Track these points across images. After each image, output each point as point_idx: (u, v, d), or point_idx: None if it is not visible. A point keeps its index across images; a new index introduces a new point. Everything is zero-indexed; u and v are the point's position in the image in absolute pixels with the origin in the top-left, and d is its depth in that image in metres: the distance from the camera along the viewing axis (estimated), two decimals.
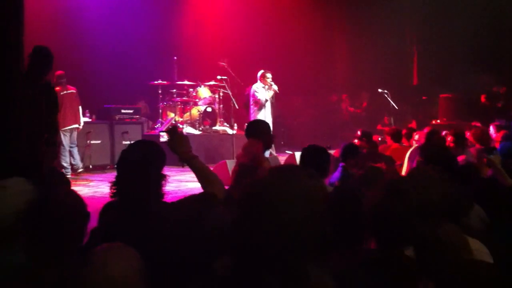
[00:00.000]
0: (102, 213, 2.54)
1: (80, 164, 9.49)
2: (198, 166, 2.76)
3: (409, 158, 5.72)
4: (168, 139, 2.81)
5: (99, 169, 9.89)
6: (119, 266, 1.45)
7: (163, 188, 2.44)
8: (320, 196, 1.59)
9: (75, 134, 9.39)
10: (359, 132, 6.90)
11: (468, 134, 7.43)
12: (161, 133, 10.48)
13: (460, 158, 6.04)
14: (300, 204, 1.51)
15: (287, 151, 11.75)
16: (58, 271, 1.47)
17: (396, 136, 7.04)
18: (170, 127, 3.33)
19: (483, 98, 12.67)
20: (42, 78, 5.71)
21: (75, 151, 9.38)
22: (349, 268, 2.00)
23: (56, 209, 2.15)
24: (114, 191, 2.44)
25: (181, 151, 2.76)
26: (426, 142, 6.13)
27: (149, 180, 2.37)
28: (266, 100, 9.95)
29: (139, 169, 2.37)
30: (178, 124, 11.18)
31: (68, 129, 9.22)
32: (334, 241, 2.33)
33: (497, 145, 6.31)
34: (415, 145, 6.67)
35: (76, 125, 9.36)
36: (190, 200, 2.62)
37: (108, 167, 10.14)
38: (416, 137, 6.88)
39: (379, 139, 8.80)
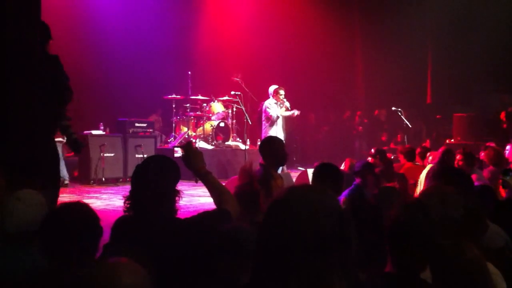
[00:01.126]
0: (114, 228, 2.54)
1: (67, 176, 9.38)
2: (213, 182, 2.76)
3: (426, 177, 5.68)
4: (183, 155, 2.81)
5: (112, 181, 9.92)
6: (126, 280, 1.44)
7: (177, 203, 2.43)
8: (341, 215, 1.59)
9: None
10: (373, 150, 6.86)
11: (482, 155, 7.37)
12: (176, 149, 10.51)
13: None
14: (328, 220, 1.51)
15: (299, 168, 11.71)
16: (70, 282, 1.47)
17: (410, 155, 6.98)
18: (184, 142, 3.34)
19: (502, 116, 12.56)
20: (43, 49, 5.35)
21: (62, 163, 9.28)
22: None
23: (69, 223, 2.15)
24: (128, 206, 2.44)
25: (196, 167, 2.76)
26: (440, 161, 6.09)
27: (164, 195, 2.37)
28: (278, 117, 9.96)
29: (153, 184, 2.36)
30: (191, 139, 11.21)
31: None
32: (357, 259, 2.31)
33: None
34: (429, 164, 6.61)
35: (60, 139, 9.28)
36: (204, 216, 2.62)
37: (121, 180, 10.16)
38: (430, 158, 6.83)
39: (392, 157, 8.75)
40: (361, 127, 14.88)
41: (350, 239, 1.58)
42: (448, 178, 3.34)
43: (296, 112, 10.28)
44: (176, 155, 9.64)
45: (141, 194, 2.39)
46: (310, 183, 4.06)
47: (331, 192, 1.61)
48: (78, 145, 5.14)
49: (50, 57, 5.25)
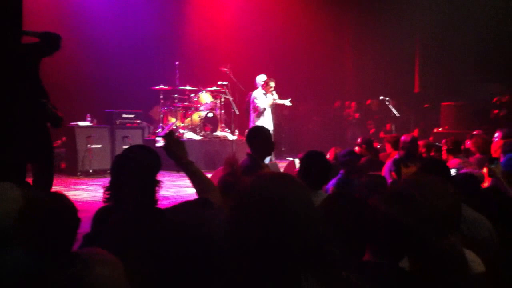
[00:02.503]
0: (95, 219, 2.51)
1: None
2: (195, 171, 2.74)
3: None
4: (165, 144, 2.78)
5: (99, 173, 9.86)
6: (99, 271, 1.42)
7: (157, 193, 2.40)
8: (313, 205, 1.57)
9: None
10: (359, 139, 6.84)
11: (468, 143, 7.40)
12: (157, 138, 10.46)
13: (455, 162, 6.03)
14: (298, 211, 1.48)
15: (287, 158, 11.71)
16: (48, 276, 1.45)
17: (396, 144, 6.96)
18: (167, 131, 3.31)
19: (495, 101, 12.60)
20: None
21: None
22: (347, 281, 1.95)
23: (44, 214, 2.12)
24: (108, 196, 2.40)
25: (177, 156, 2.73)
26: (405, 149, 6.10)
27: (144, 185, 2.34)
28: (265, 109, 9.93)
29: (133, 174, 2.33)
30: (179, 130, 11.16)
31: None
32: (332, 251, 2.29)
33: (495, 155, 6.27)
34: None
35: None
36: (185, 206, 2.60)
37: (108, 171, 10.04)
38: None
39: (378, 146, 8.74)
40: (358, 114, 14.89)
41: (320, 235, 1.55)
42: (425, 167, 3.35)
43: (287, 102, 10.24)
44: (157, 144, 9.61)
45: (121, 184, 2.36)
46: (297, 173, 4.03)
47: (299, 183, 1.58)
48: (57, 119, 5.15)
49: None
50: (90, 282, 1.40)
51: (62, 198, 2.25)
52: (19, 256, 2.09)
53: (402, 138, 6.33)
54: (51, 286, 1.40)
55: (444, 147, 6.44)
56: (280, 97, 10.31)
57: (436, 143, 7.96)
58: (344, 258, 2.23)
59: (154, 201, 2.37)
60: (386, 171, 5.98)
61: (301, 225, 1.48)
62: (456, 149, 6.45)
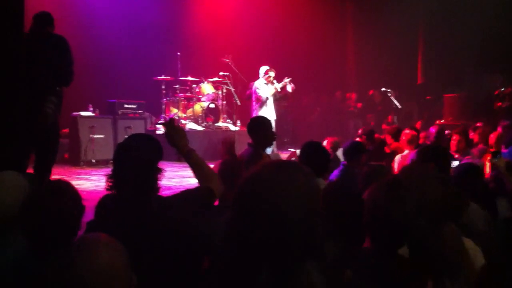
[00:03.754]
0: (98, 206, 2.53)
1: None
2: (196, 160, 2.74)
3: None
4: (165, 132, 2.79)
5: (102, 163, 9.88)
6: (104, 255, 1.44)
7: (159, 181, 2.41)
8: (316, 194, 1.56)
9: None
10: (360, 131, 6.83)
11: (472, 134, 7.39)
12: (158, 126, 10.47)
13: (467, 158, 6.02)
14: (295, 200, 1.48)
15: (290, 149, 11.72)
16: (51, 262, 1.46)
17: (396, 135, 6.95)
18: (167, 119, 3.32)
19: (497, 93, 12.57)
20: (46, 33, 5.50)
21: None
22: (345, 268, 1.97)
23: (50, 201, 2.14)
24: (111, 184, 2.42)
25: (178, 144, 2.74)
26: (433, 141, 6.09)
27: (145, 173, 2.35)
28: (267, 98, 9.92)
29: (134, 162, 2.34)
30: (181, 120, 11.17)
31: None
32: (330, 239, 2.31)
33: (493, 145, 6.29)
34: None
35: None
36: (186, 194, 2.61)
37: (111, 161, 10.08)
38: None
39: (382, 138, 8.73)
40: (360, 104, 14.85)
41: (320, 225, 1.56)
42: (426, 157, 3.35)
43: (276, 85, 10.15)
44: (158, 132, 9.61)
45: (123, 172, 2.37)
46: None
47: (305, 171, 1.58)
48: (44, 118, 5.17)
49: (51, 38, 5.33)
50: (94, 265, 1.41)
51: (66, 186, 2.27)
52: (23, 244, 2.12)
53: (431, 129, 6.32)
54: (56, 271, 1.42)
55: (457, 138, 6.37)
56: (281, 88, 10.29)
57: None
58: (343, 246, 2.26)
59: (156, 188, 2.39)
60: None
61: (304, 214, 1.48)
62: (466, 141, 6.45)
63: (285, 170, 1.53)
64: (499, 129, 7.32)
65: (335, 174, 5.10)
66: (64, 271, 1.39)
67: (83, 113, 10.20)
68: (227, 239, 1.56)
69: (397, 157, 6.08)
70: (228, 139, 3.28)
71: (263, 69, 10.24)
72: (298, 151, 8.59)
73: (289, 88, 10.22)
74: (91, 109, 10.42)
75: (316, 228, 1.51)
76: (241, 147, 5.95)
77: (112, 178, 2.42)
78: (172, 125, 2.82)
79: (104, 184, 2.41)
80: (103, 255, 1.43)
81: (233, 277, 1.48)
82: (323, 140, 6.52)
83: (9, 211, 2.27)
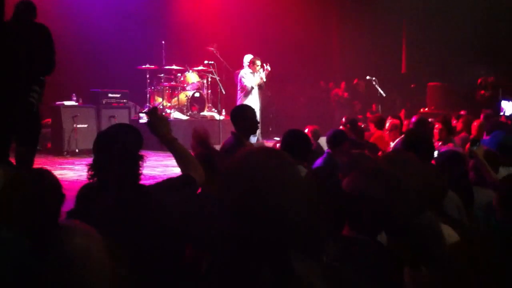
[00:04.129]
0: (78, 196, 2.52)
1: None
2: (178, 148, 2.74)
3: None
4: (148, 120, 2.79)
5: (85, 153, 9.81)
6: (78, 241, 1.45)
7: (140, 169, 2.41)
8: (302, 182, 1.56)
9: None
10: (343, 119, 6.86)
11: (455, 122, 7.47)
12: (141, 115, 10.43)
13: (449, 146, 6.09)
14: (296, 198, 1.47)
15: (275, 138, 11.74)
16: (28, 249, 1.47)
17: (379, 124, 6.99)
18: (150, 107, 3.32)
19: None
20: (29, 22, 5.43)
21: None
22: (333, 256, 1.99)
23: (29, 189, 2.13)
24: (92, 173, 2.42)
25: (160, 132, 2.74)
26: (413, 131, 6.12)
27: (126, 161, 2.35)
28: (253, 87, 9.91)
29: (114, 150, 2.34)
30: (166, 109, 11.13)
31: None
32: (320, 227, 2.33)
33: (474, 133, 6.35)
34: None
35: None
36: (169, 183, 2.62)
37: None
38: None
39: (362, 126, 8.78)
40: (346, 93, 14.88)
41: (309, 210, 1.55)
42: (409, 144, 3.39)
43: (262, 74, 10.10)
44: (141, 121, 9.58)
45: (104, 161, 2.37)
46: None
47: (288, 157, 1.58)
48: (28, 107, 5.14)
49: (35, 27, 5.28)
50: (70, 252, 1.42)
51: (46, 174, 2.26)
52: (1, 232, 2.10)
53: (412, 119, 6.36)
54: (32, 257, 1.43)
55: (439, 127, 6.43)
56: (267, 77, 10.27)
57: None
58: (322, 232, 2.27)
59: (137, 176, 2.39)
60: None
61: (291, 199, 1.47)
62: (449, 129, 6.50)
63: (275, 154, 1.51)
64: (482, 118, 7.41)
65: (319, 162, 5.13)
66: (40, 257, 1.40)
67: (66, 103, 10.12)
68: (224, 237, 1.54)
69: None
70: (198, 131, 3.26)
71: (247, 57, 10.21)
72: None
73: (263, 75, 10.09)
74: (75, 98, 10.34)
75: (316, 226, 1.50)
76: (226, 136, 5.95)
77: (93, 167, 2.42)
78: (155, 114, 2.82)
79: (87, 175, 2.41)
80: (78, 240, 1.44)
81: (232, 276, 1.46)
82: (304, 129, 6.55)
83: None
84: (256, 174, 1.46)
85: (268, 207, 1.43)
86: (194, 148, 3.18)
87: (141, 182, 2.47)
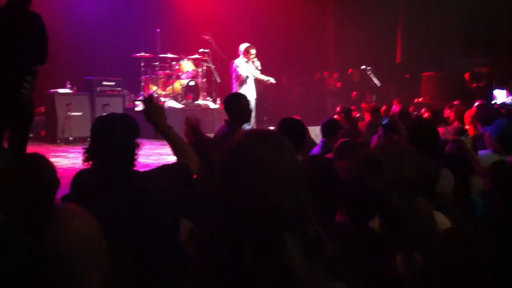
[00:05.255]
0: (73, 181, 2.54)
1: None
2: (173, 136, 2.76)
3: None
4: (143, 109, 2.79)
5: (79, 141, 9.79)
6: (74, 223, 1.46)
7: (136, 156, 2.42)
8: (298, 166, 1.57)
9: None
10: (338, 108, 6.88)
11: (447, 112, 7.51)
12: (136, 103, 10.40)
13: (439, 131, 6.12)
14: (279, 172, 1.48)
15: (269, 127, 11.74)
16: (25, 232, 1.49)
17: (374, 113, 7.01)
18: (146, 96, 3.33)
19: (467, 77, 12.74)
20: (23, 10, 5.36)
21: None
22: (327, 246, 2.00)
23: (24, 173, 2.14)
24: (87, 156, 2.43)
25: (156, 121, 2.75)
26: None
27: (121, 146, 2.37)
28: (248, 77, 9.89)
29: (112, 135, 2.36)
30: (160, 98, 11.10)
31: None
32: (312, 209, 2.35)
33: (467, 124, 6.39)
34: None
35: None
36: (163, 170, 2.63)
37: (88, 139, 10.01)
38: None
39: (357, 115, 8.81)
40: (339, 83, 14.88)
41: (305, 197, 1.56)
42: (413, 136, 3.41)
43: (271, 80, 10.20)
44: (136, 109, 9.56)
45: (100, 145, 2.38)
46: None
47: (287, 140, 1.59)
48: (20, 97, 5.11)
49: (29, 15, 5.23)
50: (66, 235, 1.43)
51: (41, 158, 2.27)
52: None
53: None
54: (28, 240, 1.44)
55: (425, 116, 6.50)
56: (262, 67, 10.25)
57: (415, 112, 8.06)
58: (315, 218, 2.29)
59: (133, 162, 2.40)
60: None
61: (287, 181, 1.49)
62: (437, 119, 6.54)
63: (269, 141, 1.53)
64: (474, 108, 7.44)
65: (315, 150, 5.16)
66: (38, 240, 1.41)
67: (60, 90, 10.07)
68: (210, 211, 1.56)
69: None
70: (190, 119, 3.27)
71: (243, 46, 10.17)
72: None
73: (258, 64, 10.08)
74: (69, 86, 10.29)
75: (299, 202, 1.51)
76: (220, 125, 5.96)
77: (89, 151, 2.43)
78: (151, 102, 2.83)
79: (81, 161, 2.42)
80: (74, 223, 1.45)
81: (214, 251, 1.48)
82: (308, 120, 6.58)
83: None
84: (253, 152, 1.48)
85: (263, 186, 1.45)
86: (186, 136, 3.18)
87: (135, 169, 2.49)
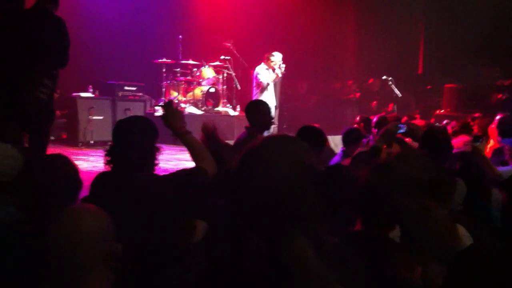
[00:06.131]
0: (94, 183, 2.56)
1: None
2: (191, 141, 2.78)
3: None
4: (163, 114, 2.82)
5: (100, 144, 9.89)
6: (89, 223, 1.48)
7: (156, 160, 2.45)
8: (309, 166, 1.59)
9: None
10: (358, 118, 6.85)
11: (471, 124, 7.43)
12: (156, 108, 10.48)
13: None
14: (288, 169, 1.51)
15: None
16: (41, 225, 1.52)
17: None
18: (165, 101, 3.37)
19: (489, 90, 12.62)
20: (48, 13, 5.41)
21: None
22: (334, 247, 2.00)
23: (47, 174, 2.17)
24: (109, 158, 2.46)
25: (174, 126, 2.78)
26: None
27: (142, 150, 2.39)
28: (268, 84, 9.88)
29: (132, 138, 2.39)
30: (181, 104, 11.17)
31: None
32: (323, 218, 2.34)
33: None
34: None
35: None
36: (181, 174, 2.65)
37: (109, 143, 10.07)
38: None
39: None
40: (359, 94, 14.82)
41: (319, 197, 1.58)
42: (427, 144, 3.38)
43: (277, 71, 10.03)
44: (156, 114, 9.62)
45: (122, 147, 2.41)
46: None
47: (306, 145, 1.61)
48: (37, 101, 5.14)
49: (51, 19, 5.29)
50: (80, 233, 1.45)
51: (63, 159, 2.30)
52: (14, 212, 2.15)
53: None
54: (44, 236, 1.46)
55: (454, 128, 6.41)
56: (284, 78, 10.25)
57: (437, 124, 7.99)
58: (334, 228, 2.28)
59: (153, 167, 2.43)
60: None
61: (299, 180, 1.51)
62: (465, 130, 6.48)
63: (282, 141, 1.56)
64: (495, 121, 7.35)
65: (335, 159, 5.15)
66: (53, 236, 1.43)
67: (82, 94, 10.21)
68: (223, 206, 1.59)
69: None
70: (207, 125, 3.30)
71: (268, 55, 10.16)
72: None
73: (278, 71, 10.03)
74: (91, 90, 10.42)
75: (307, 199, 1.53)
76: (240, 132, 5.98)
77: (110, 153, 2.47)
78: (170, 107, 2.86)
79: (101, 165, 2.46)
80: (89, 222, 1.47)
81: (225, 245, 1.50)
82: (326, 129, 6.56)
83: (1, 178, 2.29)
84: (273, 156, 1.50)
85: (277, 182, 1.47)
86: (203, 142, 3.21)
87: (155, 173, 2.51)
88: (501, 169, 4.02)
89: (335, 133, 8.71)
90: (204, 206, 2.34)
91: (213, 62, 11.73)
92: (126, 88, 10.78)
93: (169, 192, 2.37)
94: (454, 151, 4.14)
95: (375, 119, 6.36)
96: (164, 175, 2.59)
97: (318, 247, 1.53)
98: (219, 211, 1.53)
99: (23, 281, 1.72)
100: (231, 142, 7.69)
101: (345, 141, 5.40)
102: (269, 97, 9.76)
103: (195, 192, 2.45)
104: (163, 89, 11.59)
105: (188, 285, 2.17)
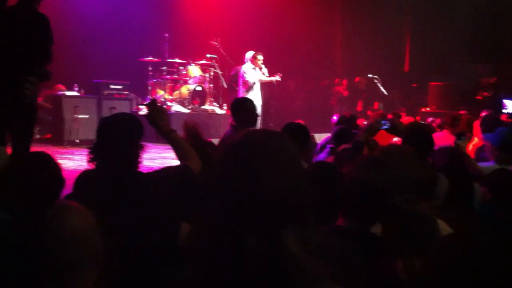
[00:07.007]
0: (77, 180, 2.55)
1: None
2: (176, 139, 2.78)
3: None
4: (147, 112, 2.82)
5: (86, 143, 9.81)
6: (72, 221, 1.47)
7: (140, 158, 2.44)
8: (299, 163, 1.58)
9: None
10: (335, 117, 6.86)
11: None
12: (141, 106, 10.45)
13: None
14: (287, 165, 1.49)
15: None
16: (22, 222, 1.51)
17: None
18: (149, 100, 3.36)
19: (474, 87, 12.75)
20: (31, 9, 5.36)
21: None
22: (324, 243, 2.00)
23: (29, 172, 2.16)
24: (92, 156, 2.45)
25: (158, 124, 2.78)
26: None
27: (125, 146, 2.38)
28: (255, 83, 9.93)
29: (116, 135, 2.38)
30: (167, 102, 11.14)
31: None
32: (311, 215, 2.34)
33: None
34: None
35: None
36: (165, 171, 2.65)
37: (94, 142, 10.06)
38: None
39: (364, 123, 8.80)
40: (347, 92, 14.88)
41: (306, 193, 1.57)
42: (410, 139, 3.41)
43: (276, 78, 10.24)
44: (141, 112, 9.60)
45: (105, 144, 2.40)
46: None
47: (290, 140, 1.60)
48: (23, 98, 5.09)
49: (34, 16, 5.24)
50: (62, 230, 1.44)
51: (46, 157, 2.29)
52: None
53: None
54: (25, 234, 1.45)
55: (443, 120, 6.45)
56: (270, 73, 10.30)
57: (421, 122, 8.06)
58: (317, 223, 2.29)
59: (136, 164, 2.42)
60: None
61: (289, 179, 1.49)
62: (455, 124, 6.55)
63: (273, 136, 1.53)
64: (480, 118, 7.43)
65: (322, 156, 5.15)
66: (36, 234, 1.42)
67: (67, 93, 10.13)
68: (211, 210, 1.56)
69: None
70: (188, 123, 3.30)
71: (249, 53, 10.23)
72: None
73: (277, 78, 10.22)
74: (76, 89, 10.35)
75: (301, 197, 1.52)
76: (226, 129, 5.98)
77: (94, 151, 2.46)
78: (154, 106, 2.86)
79: (86, 164, 2.44)
80: (71, 219, 1.47)
81: (217, 244, 1.49)
82: (313, 127, 6.58)
83: None
84: (255, 151, 1.48)
85: (265, 184, 1.45)
86: (186, 140, 3.21)
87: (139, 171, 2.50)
88: (482, 164, 4.06)
89: (322, 130, 8.73)
90: (191, 205, 2.33)
91: (200, 60, 11.71)
92: (112, 86, 10.72)
93: (154, 189, 2.37)
94: (436, 147, 4.18)
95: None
96: (148, 173, 2.58)
97: (312, 245, 1.52)
98: (212, 210, 1.51)
99: (11, 281, 1.71)
100: (218, 140, 7.71)
101: (335, 139, 5.40)
102: (255, 96, 9.79)
103: (181, 190, 2.45)
104: (149, 88, 11.55)
105: (188, 285, 2.16)
